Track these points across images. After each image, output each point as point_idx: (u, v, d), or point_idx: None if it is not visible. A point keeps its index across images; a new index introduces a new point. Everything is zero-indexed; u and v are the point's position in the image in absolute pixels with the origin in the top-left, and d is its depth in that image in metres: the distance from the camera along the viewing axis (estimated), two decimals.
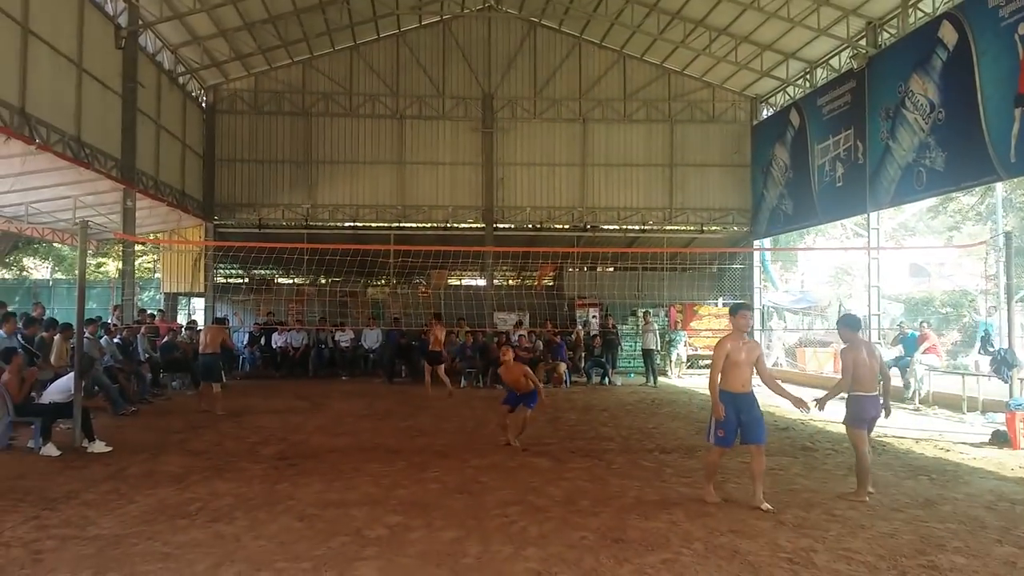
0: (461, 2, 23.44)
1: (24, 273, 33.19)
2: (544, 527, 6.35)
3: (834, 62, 20.35)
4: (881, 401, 7.76)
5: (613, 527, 6.35)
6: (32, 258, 33.55)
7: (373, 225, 23.98)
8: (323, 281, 25.47)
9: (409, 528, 6.29)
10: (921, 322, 17.40)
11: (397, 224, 24.05)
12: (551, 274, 26.65)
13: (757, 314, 23.48)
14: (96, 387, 12.60)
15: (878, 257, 19.03)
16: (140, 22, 17.24)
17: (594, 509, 6.96)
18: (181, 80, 21.04)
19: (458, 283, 26.90)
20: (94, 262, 32.49)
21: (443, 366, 16.47)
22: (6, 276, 31.27)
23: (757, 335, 21.78)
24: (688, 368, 23.00)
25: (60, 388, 10.07)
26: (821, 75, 21.01)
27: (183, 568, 5.32)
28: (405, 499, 7.27)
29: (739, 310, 7.30)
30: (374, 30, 23.35)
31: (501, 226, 24.31)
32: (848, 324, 8.04)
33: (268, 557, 5.55)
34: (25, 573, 5.20)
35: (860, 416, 7.59)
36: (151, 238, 23.77)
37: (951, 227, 34.53)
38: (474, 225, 24.34)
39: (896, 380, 16.53)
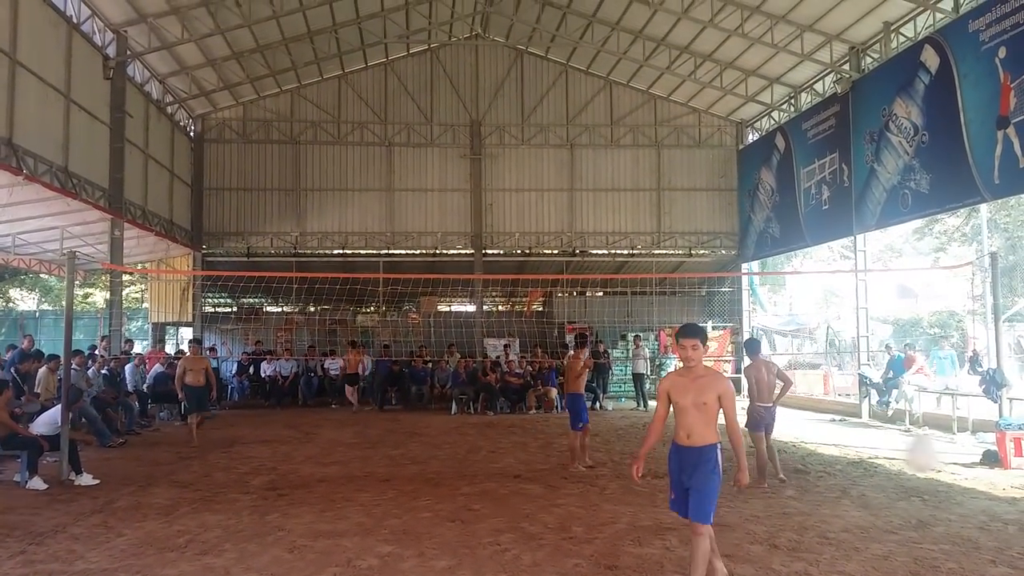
0: (448, 31, 23.62)
1: (10, 304, 33.00)
2: (537, 555, 6.31)
3: (818, 87, 20.58)
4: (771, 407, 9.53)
5: (607, 553, 6.32)
6: (19, 289, 33.38)
7: (362, 252, 23.95)
8: (312, 309, 25.41)
9: (401, 558, 6.24)
10: (905, 345, 17.48)
11: (386, 251, 24.04)
12: (540, 299, 26.68)
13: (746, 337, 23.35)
14: (82, 419, 12.48)
15: (865, 279, 19.10)
16: (128, 52, 17.26)
17: (587, 536, 6.92)
18: (169, 110, 21.08)
19: (448, 309, 26.88)
20: (81, 292, 32.34)
21: (356, 387, 19.79)
22: None
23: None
24: None
25: (47, 421, 9.98)
26: (806, 99, 21.22)
27: None
28: (397, 528, 7.21)
29: (680, 338, 5.33)
30: (362, 59, 23.48)
31: (490, 252, 24.34)
32: (749, 348, 9.90)
33: None
34: None
35: (759, 423, 9.37)
36: (139, 268, 23.69)
37: (937, 248, 34.84)
38: (463, 251, 24.36)
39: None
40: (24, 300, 34.11)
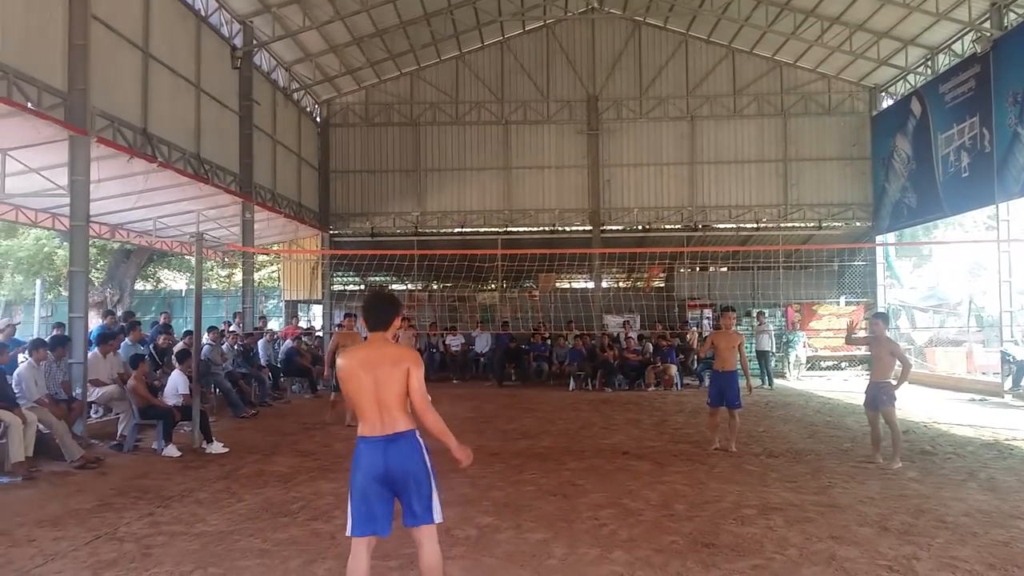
0: (564, 5, 23.42)
1: (161, 285, 35.20)
2: (634, 531, 6.27)
3: (956, 47, 19.26)
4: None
5: (706, 532, 6.20)
6: (167, 270, 35.54)
7: (481, 230, 24.24)
8: (434, 286, 25.95)
9: (498, 529, 6.33)
10: None
11: (505, 229, 24.23)
12: (661, 275, 26.29)
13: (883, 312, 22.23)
14: (217, 390, 13.23)
15: (1008, 250, 17.85)
16: (254, 42, 18.01)
17: (689, 513, 6.81)
18: (295, 96, 21.88)
19: (567, 286, 26.87)
20: (224, 272, 34.16)
21: None
22: (144, 288, 33.22)
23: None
24: (808, 370, 22.20)
25: (169, 391, 10.67)
26: (943, 61, 19.92)
27: (277, 564, 5.54)
28: (499, 500, 7.31)
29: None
30: (478, 38, 23.63)
31: (609, 228, 24.14)
32: (887, 320, 9.80)
33: None
34: (134, 567, 5.51)
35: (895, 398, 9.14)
36: (268, 249, 24.78)
37: None
38: (581, 228, 24.27)
39: None
40: (175, 280, 36.27)
